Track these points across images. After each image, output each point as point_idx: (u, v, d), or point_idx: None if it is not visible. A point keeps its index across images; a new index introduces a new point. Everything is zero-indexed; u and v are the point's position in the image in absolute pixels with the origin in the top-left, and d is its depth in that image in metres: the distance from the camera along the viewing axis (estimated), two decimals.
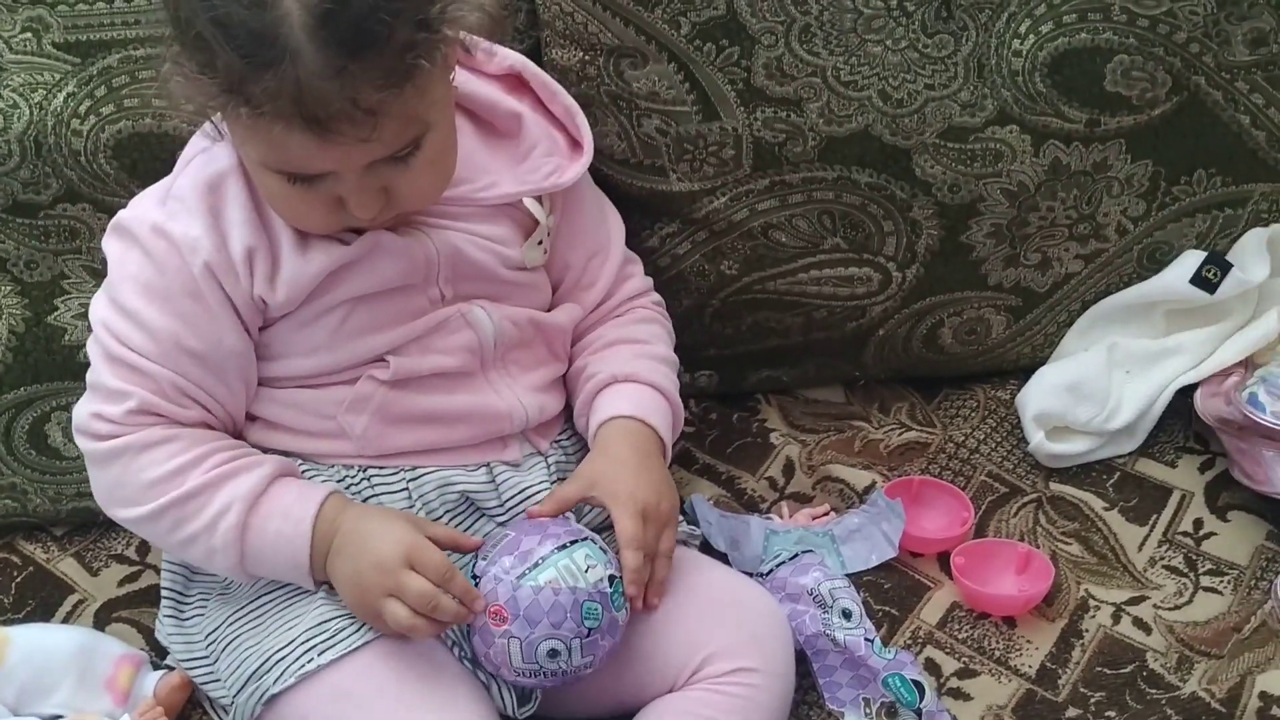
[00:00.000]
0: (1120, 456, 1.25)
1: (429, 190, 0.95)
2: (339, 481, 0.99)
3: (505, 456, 1.03)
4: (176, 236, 0.93)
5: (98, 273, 1.15)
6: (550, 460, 1.06)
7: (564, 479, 1.04)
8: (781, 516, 1.21)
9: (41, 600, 1.13)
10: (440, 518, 1.00)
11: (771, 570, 1.12)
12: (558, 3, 1.15)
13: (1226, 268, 1.23)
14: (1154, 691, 1.05)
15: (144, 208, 0.96)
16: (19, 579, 1.16)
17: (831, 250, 1.23)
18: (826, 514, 1.21)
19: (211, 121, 0.93)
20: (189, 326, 0.94)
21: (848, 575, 1.13)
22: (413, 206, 0.95)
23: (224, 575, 0.99)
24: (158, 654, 1.07)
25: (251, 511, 0.93)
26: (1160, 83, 1.20)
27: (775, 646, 1.01)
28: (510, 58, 1.05)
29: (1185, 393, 1.25)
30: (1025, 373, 1.30)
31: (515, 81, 1.06)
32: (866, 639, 1.06)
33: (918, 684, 1.03)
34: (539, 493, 1.03)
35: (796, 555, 1.13)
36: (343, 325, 0.98)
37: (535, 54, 1.16)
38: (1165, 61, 1.20)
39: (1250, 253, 1.24)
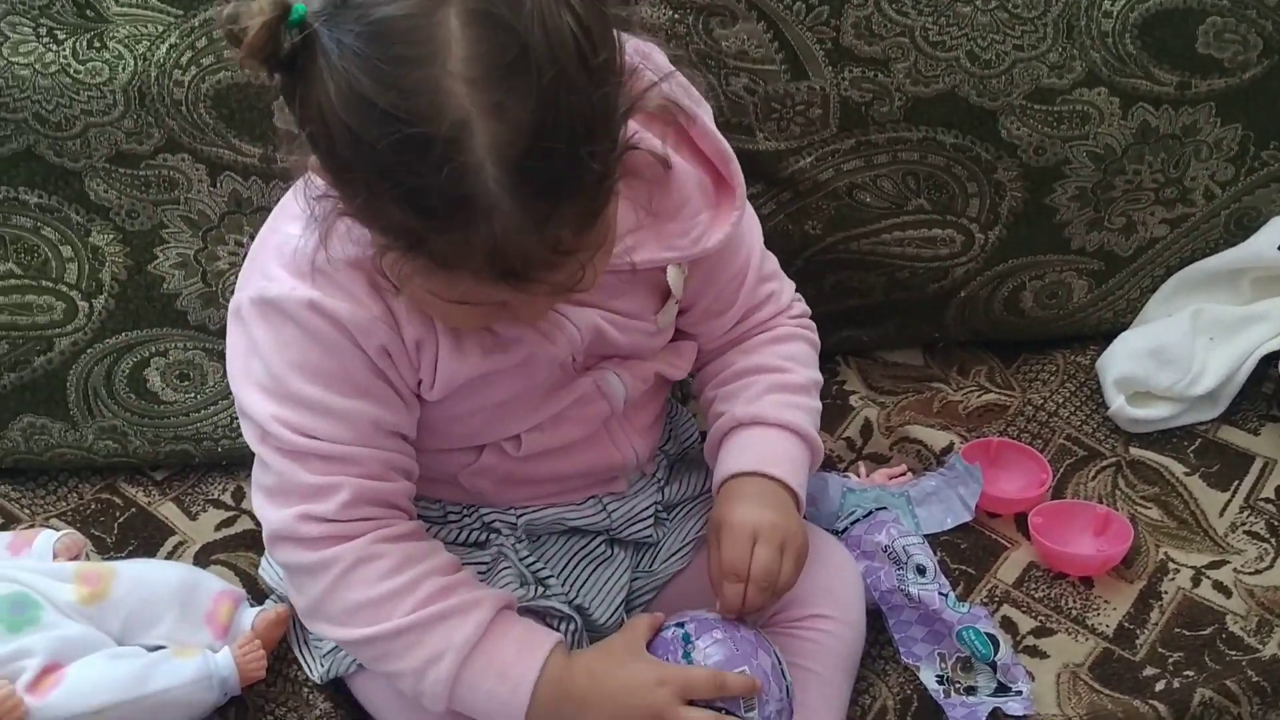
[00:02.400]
0: (1202, 423, 1.25)
1: (596, 279, 0.82)
2: (443, 517, 0.99)
3: (613, 489, 1.03)
4: (344, 317, 0.84)
5: (194, 223, 1.19)
6: (657, 479, 1.06)
7: (675, 505, 1.06)
8: (859, 476, 1.22)
9: (143, 541, 1.18)
10: (549, 545, 1.01)
11: (846, 528, 1.13)
12: None
13: None
14: (1233, 653, 1.05)
15: (287, 282, 0.85)
16: (121, 519, 1.20)
17: (915, 211, 1.23)
18: (903, 474, 1.22)
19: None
20: (381, 405, 0.87)
21: (924, 536, 1.14)
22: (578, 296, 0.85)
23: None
24: (254, 595, 1.10)
25: (465, 665, 0.87)
26: (1252, 45, 1.19)
27: (849, 597, 1.03)
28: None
29: (1269, 360, 1.25)
30: (1106, 338, 1.30)
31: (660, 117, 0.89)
32: (941, 593, 1.07)
33: (992, 637, 1.04)
34: (647, 513, 1.03)
35: (871, 513, 1.14)
36: (487, 419, 0.94)
37: None
38: (1257, 24, 1.19)
39: None
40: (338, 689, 1.04)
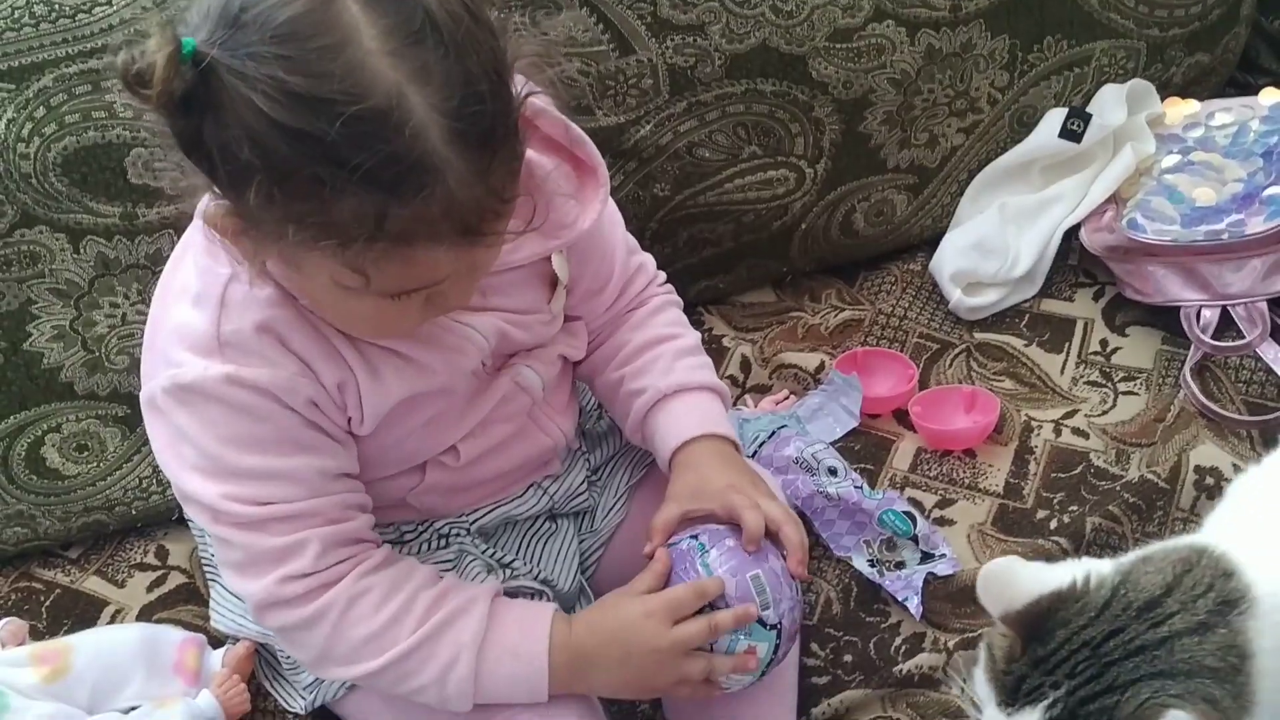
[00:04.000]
0: (1025, 301, 1.41)
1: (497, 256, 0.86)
2: (399, 538, 1.01)
3: (549, 471, 1.07)
4: (265, 383, 0.85)
5: (63, 293, 1.17)
6: (583, 451, 1.10)
7: (599, 468, 1.11)
8: (749, 407, 1.32)
9: (77, 618, 1.16)
10: (501, 535, 1.05)
11: (755, 452, 1.23)
12: None
13: (1087, 118, 1.39)
14: (1104, 483, 1.21)
15: (197, 364, 0.85)
16: (47, 603, 1.18)
17: (750, 158, 1.34)
18: (787, 398, 1.33)
19: (239, 260, 0.82)
20: (323, 455, 0.90)
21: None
22: (485, 276, 0.89)
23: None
24: (213, 639, 1.10)
25: (480, 659, 0.91)
26: None
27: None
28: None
29: (1070, 236, 1.42)
30: (929, 244, 1.45)
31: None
32: (856, 486, 1.18)
33: (909, 514, 1.16)
34: (582, 485, 1.09)
35: (774, 433, 1.24)
36: (420, 439, 0.96)
37: None
38: None
39: (1109, 102, 1.41)
40: (321, 715, 1.05)
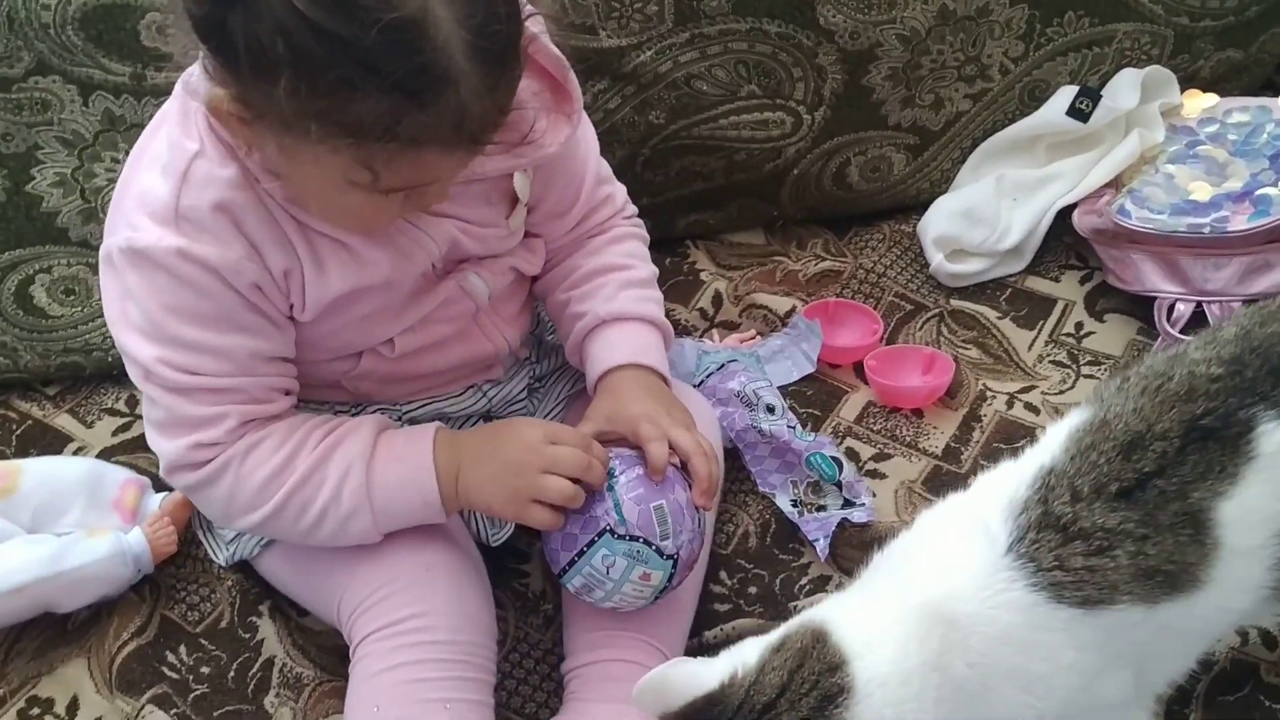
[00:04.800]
0: (1011, 275, 1.40)
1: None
2: (332, 416, 1.02)
3: (490, 376, 1.10)
4: (213, 261, 0.89)
5: (69, 143, 1.24)
6: (530, 361, 1.14)
7: (544, 376, 1.14)
8: (712, 340, 1.34)
9: (43, 450, 1.23)
10: None
11: (702, 381, 1.25)
12: None
13: (1097, 99, 1.37)
14: None
15: (152, 232, 0.89)
16: (18, 432, 1.25)
17: (748, 97, 1.35)
18: (752, 338, 1.35)
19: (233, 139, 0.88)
20: (258, 337, 0.94)
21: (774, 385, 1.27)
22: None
23: (363, 542, 0.98)
24: (157, 486, 1.16)
25: (370, 469, 0.95)
26: None
27: (710, 436, 1.12)
28: None
29: (1065, 215, 1.40)
30: (925, 208, 1.44)
31: None
32: (789, 426, 1.20)
33: (837, 460, 1.18)
34: (523, 393, 1.12)
35: (724, 365, 1.26)
36: (357, 330, 1.00)
37: None
38: None
39: (1123, 86, 1.39)
40: (242, 568, 1.11)
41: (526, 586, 1.13)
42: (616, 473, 0.97)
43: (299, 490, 0.95)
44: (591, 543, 0.96)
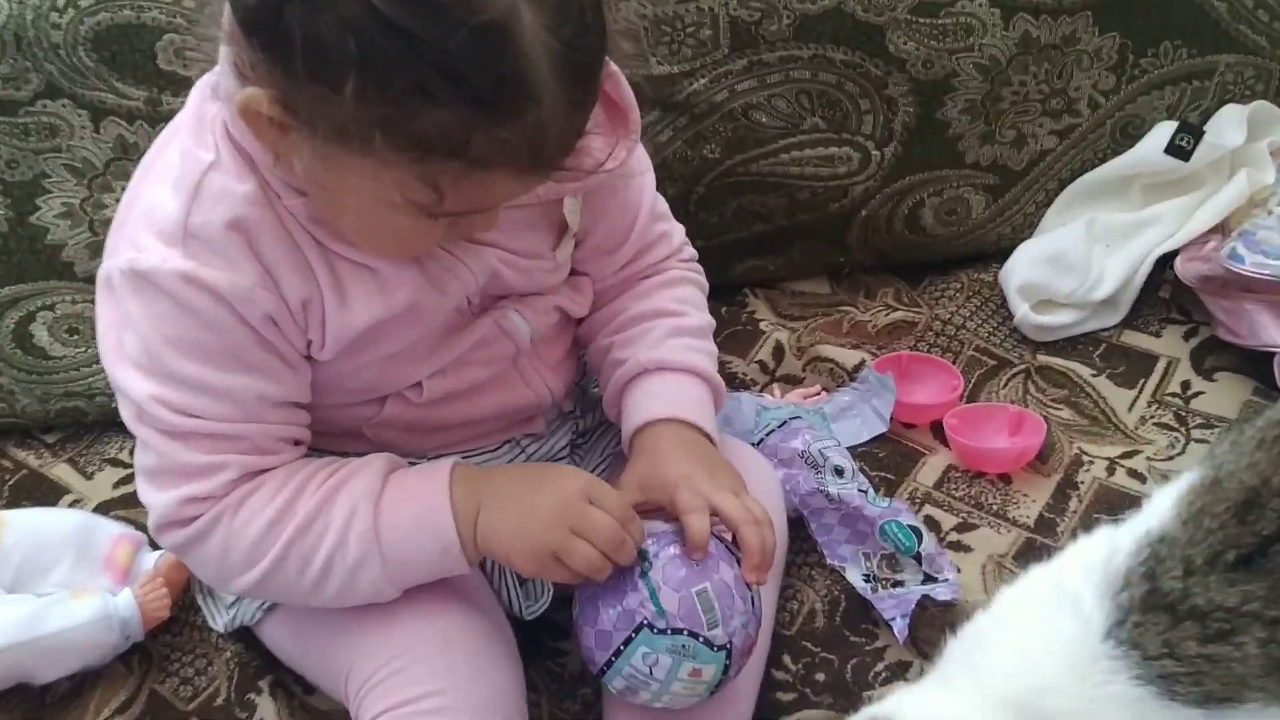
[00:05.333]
0: (1105, 329, 1.27)
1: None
2: None
3: (530, 429, 1.00)
4: (223, 289, 0.80)
5: (79, 171, 1.15)
6: (574, 415, 1.03)
7: (588, 431, 1.03)
8: (773, 396, 1.22)
9: (36, 500, 1.13)
10: None
11: (761, 440, 1.13)
12: None
13: (1199, 135, 1.25)
14: None
15: (158, 253, 0.80)
16: (11, 482, 1.15)
17: (811, 130, 1.24)
18: (818, 394, 1.22)
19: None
20: (268, 378, 0.83)
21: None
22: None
23: (373, 599, 0.86)
24: (154, 544, 1.05)
25: (378, 509, 0.83)
26: None
27: (770, 503, 0.99)
28: None
29: (1165, 263, 1.27)
30: (1006, 255, 1.32)
31: None
32: (860, 490, 1.06)
33: (915, 529, 1.04)
34: (565, 450, 1.01)
35: (785, 423, 1.14)
36: (382, 371, 0.89)
37: None
38: None
39: (1227, 122, 1.27)
40: (243, 636, 1.00)
41: (564, 667, 1.00)
42: (651, 554, 0.84)
43: (300, 538, 0.83)
44: (629, 640, 0.83)
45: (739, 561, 0.86)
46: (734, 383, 1.23)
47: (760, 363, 1.26)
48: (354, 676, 0.88)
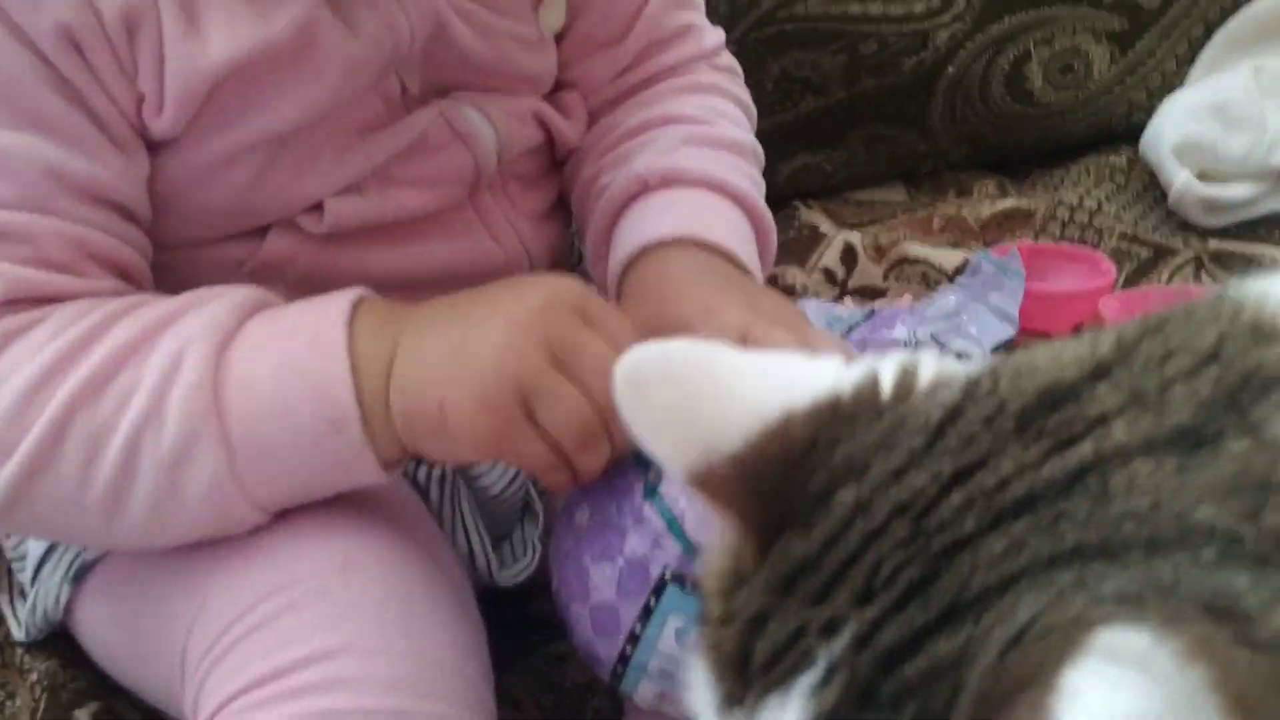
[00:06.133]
0: None
1: None
2: None
3: None
4: None
5: None
6: None
7: None
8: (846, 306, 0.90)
9: None
10: None
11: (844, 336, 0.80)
12: None
13: None
14: None
15: None
16: None
17: None
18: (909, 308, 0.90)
19: None
20: (68, 145, 0.56)
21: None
22: None
23: (216, 523, 0.55)
24: None
25: (224, 357, 0.54)
26: None
27: None
28: None
29: None
30: (1138, 135, 1.04)
31: None
32: None
33: None
34: None
35: (871, 314, 0.81)
36: (260, 174, 0.61)
37: None
38: None
39: None
40: (60, 647, 0.69)
41: (563, 673, 0.69)
42: (654, 482, 0.55)
43: (86, 405, 0.52)
44: (647, 610, 0.53)
45: None
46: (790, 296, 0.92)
47: (826, 270, 0.96)
48: (192, 650, 0.53)
